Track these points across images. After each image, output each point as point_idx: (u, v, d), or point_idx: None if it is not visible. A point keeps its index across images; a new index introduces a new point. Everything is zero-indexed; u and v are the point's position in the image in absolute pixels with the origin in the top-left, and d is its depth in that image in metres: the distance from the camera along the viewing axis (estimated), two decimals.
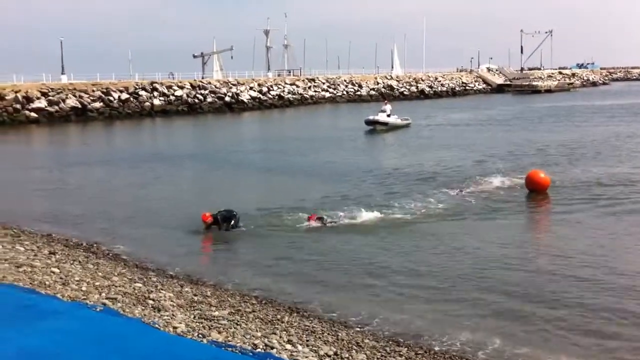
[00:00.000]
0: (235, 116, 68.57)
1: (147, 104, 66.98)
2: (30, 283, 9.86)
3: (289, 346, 8.33)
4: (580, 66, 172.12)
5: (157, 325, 8.07)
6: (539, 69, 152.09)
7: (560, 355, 8.94)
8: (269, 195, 21.49)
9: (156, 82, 71.42)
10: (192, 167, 29.42)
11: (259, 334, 8.61)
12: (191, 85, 74.37)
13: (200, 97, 72.80)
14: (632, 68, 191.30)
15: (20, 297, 8.50)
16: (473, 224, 16.88)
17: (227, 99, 75.20)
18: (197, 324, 8.66)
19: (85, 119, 60.00)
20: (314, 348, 8.43)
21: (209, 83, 77.79)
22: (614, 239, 15.05)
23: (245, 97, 77.59)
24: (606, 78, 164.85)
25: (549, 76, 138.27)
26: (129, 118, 62.88)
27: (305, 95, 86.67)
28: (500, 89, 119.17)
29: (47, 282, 10.09)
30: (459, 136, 41.39)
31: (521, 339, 9.47)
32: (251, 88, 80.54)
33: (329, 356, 8.24)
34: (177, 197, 21.78)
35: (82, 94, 62.68)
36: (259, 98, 79.57)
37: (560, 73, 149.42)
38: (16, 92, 58.18)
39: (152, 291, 10.52)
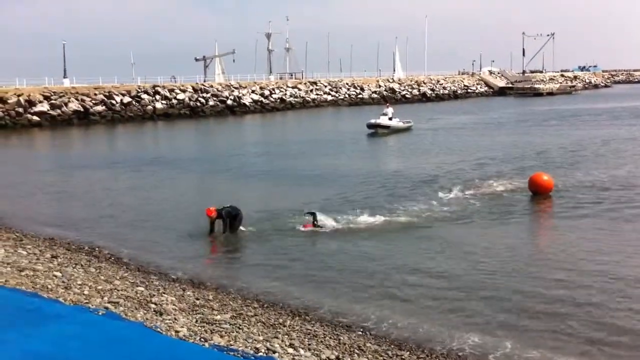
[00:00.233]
0: (237, 119, 68.62)
1: (150, 107, 67.07)
2: (33, 287, 9.87)
3: (291, 350, 8.33)
4: (582, 69, 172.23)
5: (159, 329, 8.08)
6: (541, 71, 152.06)
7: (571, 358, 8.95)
8: (271, 199, 21.50)
9: (158, 86, 71.53)
10: (194, 171, 29.43)
11: (261, 338, 8.62)
12: (193, 88, 74.47)
13: (203, 100, 72.89)
14: (635, 70, 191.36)
15: (22, 300, 8.50)
16: (478, 227, 16.85)
17: (229, 102, 75.29)
18: (199, 327, 8.67)
19: (87, 123, 60.11)
20: (316, 352, 8.43)
21: (211, 86, 77.89)
22: (620, 242, 15.01)
23: (247, 100, 77.68)
24: (608, 81, 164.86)
25: (551, 79, 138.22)
26: (131, 121, 62.97)
27: (307, 98, 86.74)
28: (502, 91, 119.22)
29: (49, 286, 10.10)
30: (461, 139, 41.37)
31: (531, 343, 9.45)
32: (253, 91, 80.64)
33: None
34: (178, 200, 21.79)
35: (85, 98, 62.79)
36: (261, 101, 79.66)
37: (562, 76, 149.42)
38: (19, 95, 58.29)
39: (154, 295, 10.53)
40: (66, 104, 60.76)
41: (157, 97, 68.97)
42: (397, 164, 30.28)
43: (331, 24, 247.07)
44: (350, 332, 9.75)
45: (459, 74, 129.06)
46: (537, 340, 9.53)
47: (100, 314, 8.30)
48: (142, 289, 10.99)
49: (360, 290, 11.94)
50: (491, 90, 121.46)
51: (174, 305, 9.94)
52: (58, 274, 11.24)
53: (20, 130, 54.35)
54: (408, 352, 8.99)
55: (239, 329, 8.93)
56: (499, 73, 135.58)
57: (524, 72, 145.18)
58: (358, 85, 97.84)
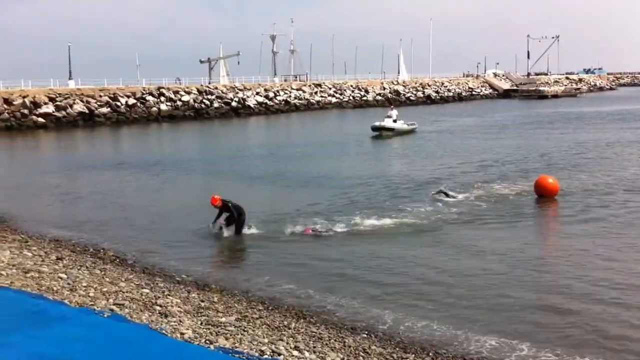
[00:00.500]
0: (241, 121, 68.67)
1: (154, 109, 67.18)
2: (38, 289, 9.87)
3: (296, 352, 8.32)
4: (587, 71, 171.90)
5: (164, 331, 8.08)
6: (546, 74, 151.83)
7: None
8: (276, 201, 21.50)
9: (163, 88, 71.65)
10: (198, 172, 29.45)
11: (266, 340, 8.61)
12: (198, 90, 74.55)
13: (207, 102, 72.98)
14: (639, 73, 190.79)
15: (28, 302, 8.52)
16: (487, 230, 16.85)
17: (233, 104, 75.35)
18: (204, 330, 8.66)
19: (92, 124, 60.23)
20: (321, 355, 8.42)
21: (216, 88, 77.96)
22: (629, 246, 14.98)
23: (251, 102, 77.74)
24: (613, 83, 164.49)
25: (556, 81, 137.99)
26: (136, 123, 63.07)
27: (311, 100, 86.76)
28: (506, 94, 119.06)
29: (54, 288, 10.11)
30: (466, 141, 41.33)
31: (547, 346, 9.44)
32: (257, 93, 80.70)
33: None
34: (183, 202, 21.80)
35: (90, 99, 62.93)
36: (266, 103, 79.71)
37: (567, 78, 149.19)
38: (24, 97, 58.45)
39: (159, 297, 10.53)
40: (71, 106, 60.90)
41: (162, 98, 69.07)
42: (402, 166, 30.27)
43: (336, 26, 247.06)
44: (355, 334, 9.73)
45: (463, 76, 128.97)
46: (553, 343, 9.52)
47: (105, 316, 8.31)
48: (147, 291, 10.99)
49: (366, 293, 11.92)
50: (496, 92, 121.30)
51: (179, 307, 9.94)
52: (63, 275, 11.25)
53: (25, 131, 54.50)
54: (413, 355, 8.98)
55: (244, 331, 8.92)
56: (503, 75, 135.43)
57: (528, 74, 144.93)
58: (362, 88, 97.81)
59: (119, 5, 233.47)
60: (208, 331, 8.62)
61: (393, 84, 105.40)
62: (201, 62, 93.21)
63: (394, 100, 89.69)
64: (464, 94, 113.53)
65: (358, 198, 21.36)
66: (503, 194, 21.42)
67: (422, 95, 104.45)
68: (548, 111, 72.93)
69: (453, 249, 14.95)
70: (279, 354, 8.06)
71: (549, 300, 11.36)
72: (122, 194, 24.00)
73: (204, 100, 72.92)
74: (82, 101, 62.16)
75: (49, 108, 59.12)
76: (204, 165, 32.09)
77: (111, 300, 9.77)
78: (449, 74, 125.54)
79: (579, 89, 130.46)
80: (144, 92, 68.74)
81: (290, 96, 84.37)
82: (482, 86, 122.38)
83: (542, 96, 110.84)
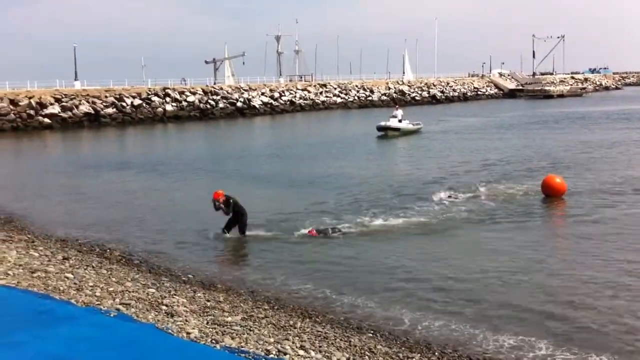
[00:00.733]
0: (247, 121, 68.74)
1: (160, 109, 67.32)
2: (45, 288, 9.90)
3: (301, 352, 8.32)
4: (592, 71, 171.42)
5: (170, 331, 8.09)
6: (551, 73, 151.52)
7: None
8: (282, 201, 21.48)
9: (168, 88, 71.79)
10: (204, 173, 29.48)
11: (272, 340, 8.61)
12: (203, 91, 74.67)
13: (212, 102, 73.08)
14: None
15: (34, 302, 8.54)
16: (496, 229, 16.80)
17: (238, 104, 75.44)
18: (211, 329, 8.67)
19: (98, 125, 60.43)
20: (327, 354, 8.42)
21: (221, 89, 78.09)
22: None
23: (256, 102, 77.82)
24: (619, 83, 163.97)
25: (561, 81, 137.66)
26: (141, 124, 63.22)
27: (316, 100, 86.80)
28: (512, 94, 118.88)
29: (61, 288, 10.13)
30: (472, 141, 41.28)
31: (563, 344, 9.44)
32: (263, 93, 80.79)
33: None
34: (188, 202, 21.82)
35: (95, 100, 63.11)
36: (271, 103, 79.79)
37: (572, 78, 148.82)
38: (30, 98, 58.67)
39: (165, 297, 10.55)
40: (77, 106, 61.09)
41: (168, 99, 69.22)
42: (408, 166, 30.25)
43: (340, 27, 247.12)
44: (361, 334, 9.73)
45: (468, 76, 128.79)
46: (570, 342, 9.52)
47: (112, 315, 8.32)
48: (153, 290, 11.01)
49: (374, 292, 11.90)
50: (501, 92, 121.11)
51: (185, 307, 9.95)
52: (70, 275, 11.27)
53: (31, 132, 54.71)
54: (419, 355, 8.97)
55: (250, 330, 8.93)
56: (509, 75, 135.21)
57: (534, 74, 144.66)
58: (367, 88, 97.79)
59: (125, 7, 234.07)
60: (214, 331, 8.63)
61: (398, 84, 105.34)
62: (206, 62, 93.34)
63: (399, 100, 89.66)
64: (469, 94, 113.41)
65: (365, 198, 21.35)
66: (510, 194, 21.39)
67: (427, 95, 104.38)
68: (554, 111, 72.74)
69: (464, 248, 14.93)
70: (285, 354, 8.06)
71: (563, 299, 11.32)
72: (128, 194, 24.05)
73: (210, 101, 73.03)
74: (87, 102, 62.35)
75: (55, 109, 59.32)
76: (210, 166, 32.11)
77: (117, 300, 9.78)
78: (454, 74, 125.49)
79: (584, 88, 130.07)
80: (150, 92, 68.90)
81: (295, 96, 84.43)
82: (487, 86, 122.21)
83: (547, 96, 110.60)
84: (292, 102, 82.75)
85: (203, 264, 14.11)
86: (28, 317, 7.72)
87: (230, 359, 7.09)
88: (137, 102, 66.07)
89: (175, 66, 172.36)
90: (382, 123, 46.56)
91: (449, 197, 20.65)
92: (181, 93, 71.53)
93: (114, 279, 11.60)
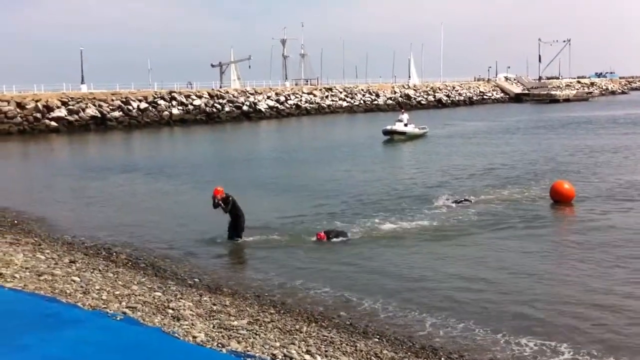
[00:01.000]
0: (252, 125, 68.82)
1: (166, 113, 67.49)
2: (52, 291, 9.90)
3: (307, 357, 8.30)
4: (599, 75, 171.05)
5: (176, 335, 8.08)
6: (557, 78, 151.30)
7: None
8: (288, 205, 21.44)
9: (175, 92, 71.97)
10: (211, 176, 29.46)
11: (278, 344, 8.60)
12: (209, 94, 74.83)
13: (218, 106, 73.23)
14: None
15: (41, 305, 8.55)
16: (507, 233, 16.76)
17: (244, 108, 75.58)
18: (217, 333, 8.66)
19: (104, 128, 60.62)
20: (333, 358, 8.41)
21: (227, 92, 78.26)
22: None
23: (262, 106, 77.93)
24: (625, 87, 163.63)
25: (567, 85, 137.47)
26: (147, 127, 63.38)
27: (322, 104, 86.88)
28: (518, 98, 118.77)
29: (67, 291, 10.13)
30: (478, 145, 41.24)
31: (583, 347, 9.42)
32: (269, 97, 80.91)
33: None
34: (194, 205, 21.82)
35: (102, 103, 63.32)
36: (277, 107, 79.90)
37: (578, 82, 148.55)
38: (37, 101, 58.90)
39: (171, 300, 10.54)
40: (83, 110, 61.30)
41: (174, 103, 69.39)
42: (415, 170, 30.20)
43: (347, 31, 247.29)
44: (367, 338, 9.71)
45: (474, 80, 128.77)
46: (590, 345, 9.50)
47: (118, 319, 8.32)
48: (159, 294, 11.01)
49: (380, 297, 11.86)
50: (507, 96, 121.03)
51: (191, 310, 9.95)
52: (76, 278, 11.28)
53: (38, 135, 54.91)
54: None
55: (256, 334, 8.91)
56: (515, 79, 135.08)
57: (540, 78, 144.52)
58: (373, 92, 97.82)
59: (131, 10, 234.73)
60: (220, 335, 8.62)
61: (404, 87, 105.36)
62: (212, 66, 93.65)
63: (405, 104, 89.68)
64: (475, 98, 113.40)
65: (371, 202, 21.34)
66: (518, 199, 21.34)
67: (433, 99, 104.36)
68: (560, 115, 72.61)
69: (473, 253, 14.89)
70: (291, 358, 8.05)
71: (581, 304, 11.29)
72: (135, 197, 24.10)
73: (216, 104, 73.18)
74: (94, 105, 62.58)
75: (62, 112, 59.55)
76: (216, 169, 32.15)
77: (124, 304, 9.78)
78: (460, 78, 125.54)
79: (591, 92, 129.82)
80: (156, 96, 69.09)
81: (301, 100, 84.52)
82: (493, 90, 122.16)
83: (553, 100, 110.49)
84: (298, 106, 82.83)
85: (209, 268, 14.11)
86: (34, 320, 7.73)
87: None
88: (143, 105, 66.25)
89: (182, 70, 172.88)
90: (388, 127, 46.53)
91: (456, 202, 20.57)
92: (187, 97, 71.71)
93: (120, 283, 11.60)
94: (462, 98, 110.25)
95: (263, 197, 23.05)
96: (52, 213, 20.79)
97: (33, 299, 9.02)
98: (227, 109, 73.74)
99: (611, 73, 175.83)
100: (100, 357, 6.65)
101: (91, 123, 60.82)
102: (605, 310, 10.88)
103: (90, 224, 18.84)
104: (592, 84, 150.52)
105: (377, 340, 9.70)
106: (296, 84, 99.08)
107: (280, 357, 8.04)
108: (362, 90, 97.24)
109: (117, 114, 63.50)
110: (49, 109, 59.03)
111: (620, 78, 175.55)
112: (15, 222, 18.65)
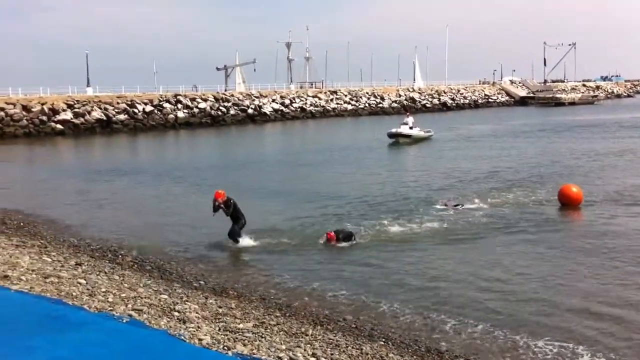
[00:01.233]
0: (257, 128, 68.86)
1: (171, 116, 67.59)
2: (58, 294, 9.93)
3: (313, 359, 8.31)
4: (604, 79, 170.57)
5: (182, 337, 8.09)
6: (563, 81, 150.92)
7: None
8: (293, 208, 21.43)
9: (180, 95, 72.09)
10: (217, 179, 29.47)
11: (284, 347, 8.59)
12: (214, 97, 74.93)
13: (224, 109, 73.30)
14: None
15: (47, 307, 8.58)
16: (518, 237, 16.77)
17: (249, 111, 75.64)
18: (222, 336, 8.66)
19: (110, 131, 60.72)
20: None
21: (232, 95, 78.33)
22: None
23: (267, 109, 78.00)
24: (631, 91, 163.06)
25: (573, 89, 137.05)
26: (153, 130, 63.47)
27: (327, 107, 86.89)
28: (523, 101, 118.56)
29: (74, 293, 10.15)
30: (483, 148, 41.17)
31: (601, 349, 9.44)
32: (274, 100, 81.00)
33: None
34: (200, 208, 21.79)
35: (107, 106, 63.44)
36: (281, 110, 79.97)
37: (584, 85, 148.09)
38: (42, 104, 59.05)
39: (177, 303, 10.55)
40: (89, 113, 61.43)
41: (179, 106, 69.49)
42: (420, 173, 30.16)
43: (351, 34, 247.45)
44: (373, 341, 9.70)
45: (479, 84, 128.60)
46: (608, 348, 9.50)
47: (124, 321, 8.34)
48: (165, 296, 11.02)
49: (386, 299, 11.86)
50: (512, 99, 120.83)
51: (197, 313, 9.95)
52: (82, 281, 11.30)
53: (43, 138, 55.03)
54: None
55: (262, 337, 8.91)
56: (520, 82, 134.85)
57: (545, 81, 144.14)
58: (378, 95, 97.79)
59: (137, 14, 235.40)
60: (226, 337, 8.63)
61: (409, 91, 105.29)
62: (217, 69, 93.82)
63: (410, 107, 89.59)
64: (480, 101, 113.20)
65: (377, 204, 21.33)
66: (525, 202, 21.30)
67: (438, 102, 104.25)
68: (565, 119, 72.45)
69: (481, 256, 14.88)
70: None
71: (595, 306, 11.31)
72: (140, 200, 24.13)
73: (221, 108, 73.26)
74: (99, 108, 62.70)
75: (67, 115, 59.69)
76: (222, 172, 32.16)
77: (130, 306, 9.80)
78: (465, 81, 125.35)
79: (596, 96, 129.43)
80: (161, 99, 69.21)
81: (306, 103, 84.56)
82: (498, 93, 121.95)
83: (559, 103, 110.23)
84: (302, 109, 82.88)
85: (215, 271, 14.13)
86: (41, 323, 7.76)
87: None
88: (148, 108, 66.35)
89: (187, 73, 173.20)
90: (393, 130, 46.56)
91: (457, 205, 20.52)
92: (192, 100, 71.82)
93: (126, 285, 11.62)
94: (467, 101, 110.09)
95: (268, 199, 23.06)
96: (58, 215, 20.83)
97: (39, 301, 9.05)
98: (232, 112, 73.82)
99: (617, 76, 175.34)
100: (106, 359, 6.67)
101: (97, 126, 60.94)
102: (623, 314, 10.85)
103: (96, 227, 18.88)
104: (598, 87, 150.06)
105: (382, 343, 9.69)
106: (301, 87, 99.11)
107: (286, 359, 8.04)
108: (367, 93, 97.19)
109: (122, 117, 63.60)
110: (54, 111, 59.18)
111: (626, 81, 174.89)
112: (22, 224, 18.70)
